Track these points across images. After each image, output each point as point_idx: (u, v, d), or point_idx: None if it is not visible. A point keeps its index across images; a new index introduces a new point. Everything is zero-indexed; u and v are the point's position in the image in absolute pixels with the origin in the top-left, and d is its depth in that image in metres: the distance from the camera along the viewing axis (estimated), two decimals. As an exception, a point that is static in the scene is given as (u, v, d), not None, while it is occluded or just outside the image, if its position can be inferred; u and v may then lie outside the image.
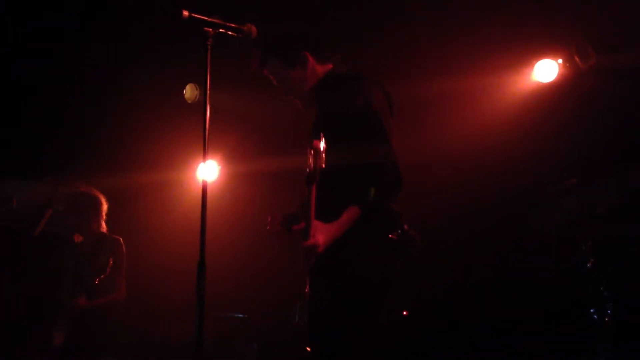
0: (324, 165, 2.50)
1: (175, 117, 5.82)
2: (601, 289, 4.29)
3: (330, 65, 3.07)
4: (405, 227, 2.84)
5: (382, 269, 2.79)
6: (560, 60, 5.24)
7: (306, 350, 2.71)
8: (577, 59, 5.13)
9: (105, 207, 4.65)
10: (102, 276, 4.14)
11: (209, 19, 2.67)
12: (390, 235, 2.79)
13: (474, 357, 5.06)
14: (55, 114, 5.62)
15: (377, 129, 2.80)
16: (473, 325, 5.17)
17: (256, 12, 3.38)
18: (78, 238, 4.45)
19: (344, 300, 2.73)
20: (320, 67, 3.05)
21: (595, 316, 4.26)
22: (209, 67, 2.67)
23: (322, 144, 2.50)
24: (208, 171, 5.89)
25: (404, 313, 5.10)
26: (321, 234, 2.66)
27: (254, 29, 2.79)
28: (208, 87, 2.66)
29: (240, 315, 6.03)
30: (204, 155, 2.66)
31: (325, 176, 2.55)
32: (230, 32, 2.76)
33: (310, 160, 2.52)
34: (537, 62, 5.30)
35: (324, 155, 2.50)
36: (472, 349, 5.06)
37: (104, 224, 4.61)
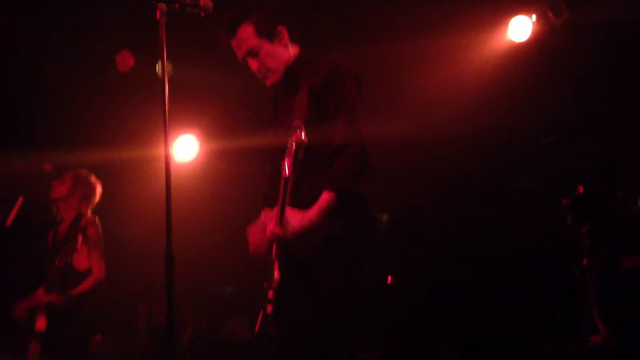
0: (301, 157, 2.56)
1: (152, 93, 5.73)
2: (580, 245, 4.34)
3: (298, 47, 3.00)
4: (371, 210, 2.85)
5: (352, 252, 2.78)
6: (534, 17, 5.21)
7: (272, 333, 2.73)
8: (550, 14, 5.10)
9: (98, 197, 4.63)
10: (76, 256, 4.08)
11: (163, -5, 2.62)
12: (357, 218, 2.78)
13: (458, 317, 5.11)
14: (15, 91, 5.50)
15: (351, 114, 2.79)
16: (457, 284, 5.21)
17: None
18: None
19: (318, 285, 2.72)
20: (291, 46, 2.97)
21: (575, 272, 4.31)
22: (164, 43, 2.63)
23: (303, 135, 2.54)
24: (182, 147, 5.92)
25: (388, 279, 5.13)
26: (294, 222, 2.67)
27: (209, 3, 2.73)
28: (165, 65, 2.63)
29: (230, 291, 6.07)
30: (165, 132, 2.62)
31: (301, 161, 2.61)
32: (186, 8, 2.70)
33: (291, 150, 2.56)
34: (511, 19, 5.26)
35: (303, 147, 2.54)
36: (456, 308, 5.11)
37: (90, 211, 4.58)
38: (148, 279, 5.49)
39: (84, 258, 4.22)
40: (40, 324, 4.01)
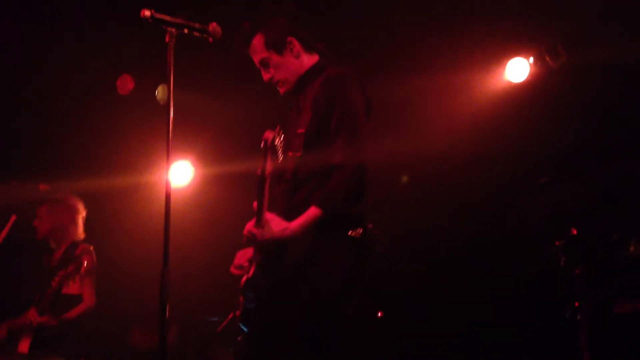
0: (270, 158, 2.61)
1: (151, 118, 5.73)
2: (573, 287, 4.32)
3: (317, 56, 3.00)
4: (369, 225, 2.78)
5: (342, 268, 2.72)
6: (531, 59, 5.27)
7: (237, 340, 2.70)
8: (547, 57, 5.17)
9: (83, 214, 4.59)
10: (70, 283, 4.02)
11: (172, 19, 2.63)
12: (350, 233, 2.73)
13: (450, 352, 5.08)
14: (13, 114, 5.48)
15: (353, 133, 2.77)
16: (451, 321, 5.18)
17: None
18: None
19: (307, 299, 2.69)
20: (306, 56, 2.97)
21: (567, 314, 4.29)
22: (172, 68, 2.61)
23: (272, 136, 2.60)
24: (176, 173, 5.88)
25: (379, 314, 5.09)
26: (275, 227, 2.66)
27: (218, 29, 2.74)
28: (171, 89, 2.62)
29: (216, 319, 5.99)
30: (168, 157, 2.62)
31: (296, 175, 2.67)
32: (195, 33, 2.71)
33: (266, 152, 2.61)
34: (508, 61, 5.32)
35: (269, 147, 2.59)
36: (450, 344, 5.08)
37: (81, 231, 4.54)
38: (140, 304, 5.43)
39: (76, 284, 4.16)
40: (24, 345, 3.93)
